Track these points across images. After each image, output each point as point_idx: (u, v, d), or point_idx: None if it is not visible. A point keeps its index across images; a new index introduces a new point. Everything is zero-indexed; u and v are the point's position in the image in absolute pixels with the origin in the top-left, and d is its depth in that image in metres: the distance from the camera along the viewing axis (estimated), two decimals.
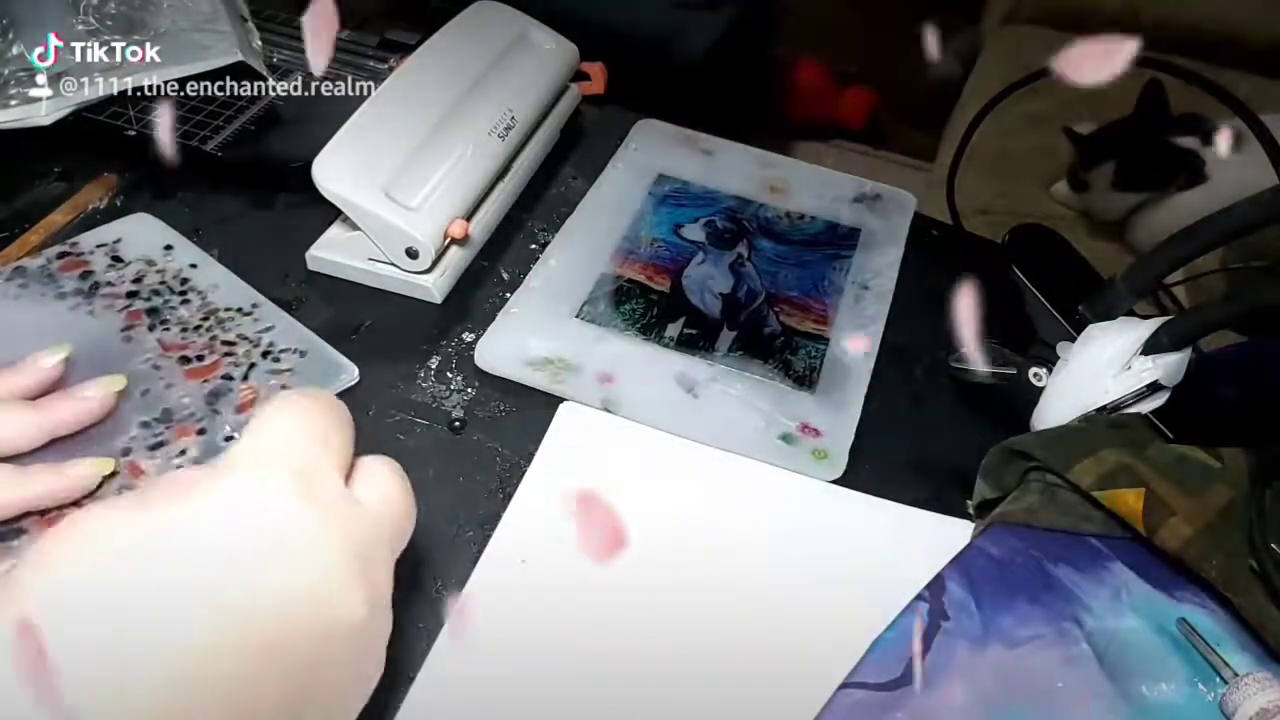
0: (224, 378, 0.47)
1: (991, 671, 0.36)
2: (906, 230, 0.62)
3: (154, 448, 0.43)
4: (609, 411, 0.48)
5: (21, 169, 0.58)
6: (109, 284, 0.50)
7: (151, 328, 0.48)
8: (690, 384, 0.50)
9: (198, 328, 0.49)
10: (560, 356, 0.51)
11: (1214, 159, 1.02)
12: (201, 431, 0.44)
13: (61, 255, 0.51)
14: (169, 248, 0.53)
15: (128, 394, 0.45)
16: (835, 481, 0.46)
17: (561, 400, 0.48)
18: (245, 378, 0.47)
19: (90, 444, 0.43)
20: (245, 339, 0.49)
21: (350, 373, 0.49)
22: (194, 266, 0.52)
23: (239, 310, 0.50)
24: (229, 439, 0.44)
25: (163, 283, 0.51)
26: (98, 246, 0.52)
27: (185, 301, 0.50)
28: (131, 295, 0.50)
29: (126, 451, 0.43)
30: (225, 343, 0.48)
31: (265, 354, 0.48)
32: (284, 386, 0.47)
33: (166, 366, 0.47)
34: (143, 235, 0.54)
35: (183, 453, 0.43)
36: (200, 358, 0.47)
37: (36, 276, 0.50)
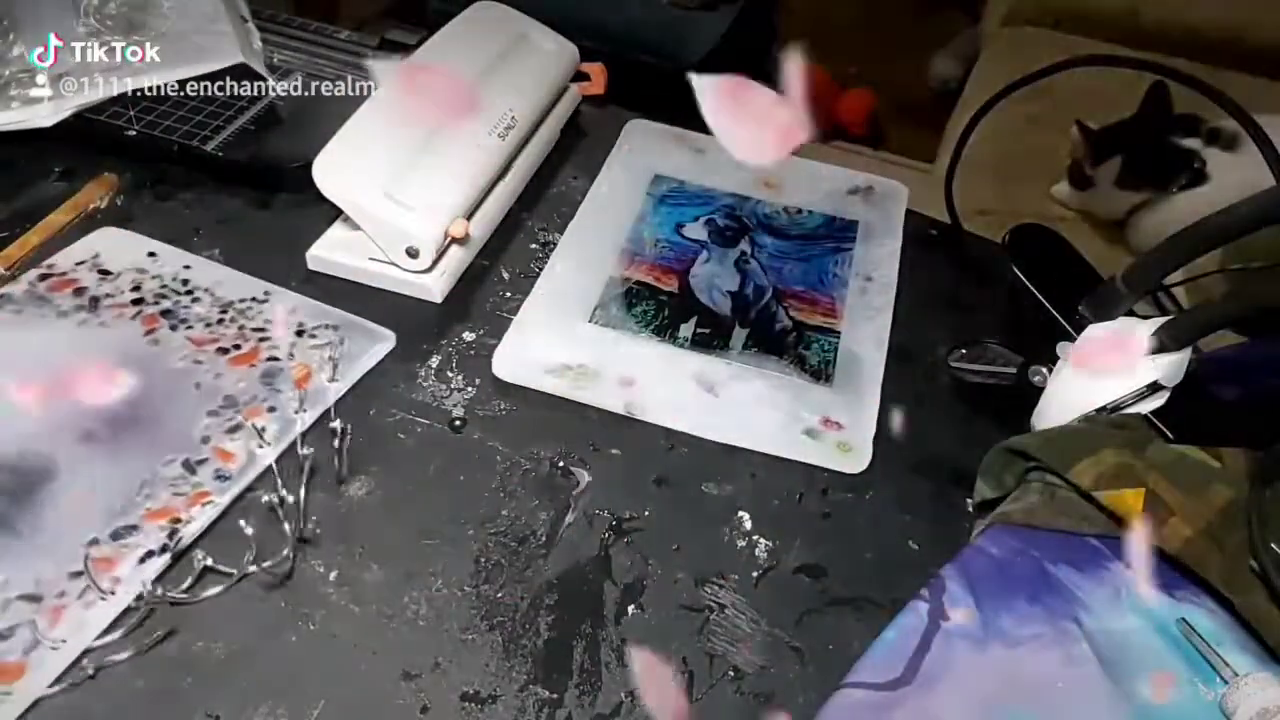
0: (270, 359, 0.48)
1: (991, 671, 0.36)
2: (902, 220, 0.62)
3: (231, 431, 0.44)
4: (632, 416, 0.48)
5: (22, 169, 0.58)
6: (108, 295, 0.50)
7: (174, 328, 0.49)
8: (710, 383, 0.50)
9: (220, 320, 0.50)
10: (580, 363, 0.50)
11: (1214, 159, 1.02)
12: (272, 409, 0.45)
13: (43, 277, 0.51)
14: (153, 254, 0.53)
15: (183, 389, 0.45)
16: (859, 475, 0.47)
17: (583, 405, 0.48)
18: (290, 356, 0.48)
19: (168, 440, 0.43)
20: (274, 323, 0.50)
21: (388, 339, 0.50)
22: (188, 267, 0.52)
23: (254, 299, 0.51)
24: (299, 412, 0.45)
25: (164, 286, 0.51)
26: (78, 264, 0.52)
27: (196, 300, 0.51)
28: (137, 303, 0.50)
29: (206, 439, 0.44)
30: (255, 329, 0.49)
31: (299, 333, 0.49)
32: (331, 359, 0.48)
33: (208, 360, 0.47)
34: (121, 245, 0.53)
35: (262, 430, 0.44)
36: (237, 346, 0.48)
37: (28, 300, 0.49)
